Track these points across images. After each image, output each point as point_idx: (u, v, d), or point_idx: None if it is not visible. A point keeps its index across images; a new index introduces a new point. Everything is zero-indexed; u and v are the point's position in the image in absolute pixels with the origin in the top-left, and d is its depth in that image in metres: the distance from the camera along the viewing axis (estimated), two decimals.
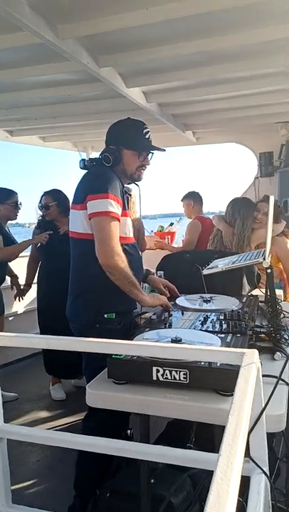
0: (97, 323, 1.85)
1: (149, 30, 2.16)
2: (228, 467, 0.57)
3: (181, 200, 4.45)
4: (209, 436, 1.33)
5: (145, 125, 2.00)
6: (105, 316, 1.86)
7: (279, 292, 2.64)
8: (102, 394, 1.35)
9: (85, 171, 1.97)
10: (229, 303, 2.03)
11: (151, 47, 2.36)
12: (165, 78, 2.88)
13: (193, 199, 4.38)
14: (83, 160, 1.99)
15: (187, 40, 2.29)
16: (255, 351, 0.98)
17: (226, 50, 2.46)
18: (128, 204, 1.97)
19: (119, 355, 1.33)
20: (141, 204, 4.57)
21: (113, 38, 2.24)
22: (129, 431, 1.70)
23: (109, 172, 1.87)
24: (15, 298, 3.68)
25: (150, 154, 2.01)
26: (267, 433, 1.12)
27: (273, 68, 2.80)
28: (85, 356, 1.89)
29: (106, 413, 1.40)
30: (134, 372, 1.32)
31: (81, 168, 2.00)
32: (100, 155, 1.95)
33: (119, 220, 1.82)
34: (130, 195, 2.21)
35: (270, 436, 1.96)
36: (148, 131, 1.99)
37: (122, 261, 1.78)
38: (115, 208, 1.79)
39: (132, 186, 2.16)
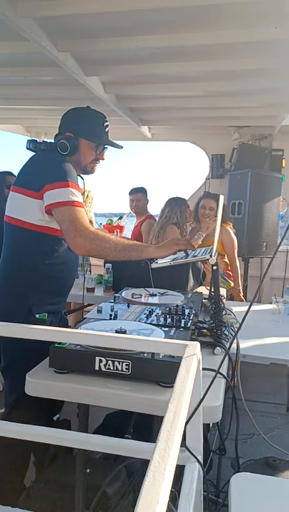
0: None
1: (112, 19, 2.14)
2: (165, 452, 0.58)
3: (132, 194, 4.42)
4: (147, 428, 1.35)
5: (106, 118, 1.95)
6: (37, 316, 1.75)
7: (222, 291, 2.72)
8: (43, 383, 1.33)
9: (32, 153, 1.84)
10: (174, 298, 2.07)
11: (113, 36, 2.33)
12: (124, 70, 2.86)
13: (146, 194, 4.44)
14: (34, 141, 1.84)
15: (147, 34, 2.29)
16: (197, 343, 1.00)
17: (182, 47, 2.46)
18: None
19: (62, 344, 1.31)
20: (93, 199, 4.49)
21: (75, 22, 2.19)
22: (55, 417, 1.68)
23: (66, 161, 1.79)
24: None
25: (105, 149, 1.96)
26: (203, 425, 1.16)
27: (228, 70, 2.84)
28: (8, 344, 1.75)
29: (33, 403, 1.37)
30: (77, 361, 1.30)
31: (27, 149, 1.85)
32: (55, 141, 1.85)
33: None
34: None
35: (206, 430, 2.03)
36: (108, 125, 1.94)
37: (100, 238, 1.68)
38: (78, 197, 1.71)
39: (88, 186, 2.09)
